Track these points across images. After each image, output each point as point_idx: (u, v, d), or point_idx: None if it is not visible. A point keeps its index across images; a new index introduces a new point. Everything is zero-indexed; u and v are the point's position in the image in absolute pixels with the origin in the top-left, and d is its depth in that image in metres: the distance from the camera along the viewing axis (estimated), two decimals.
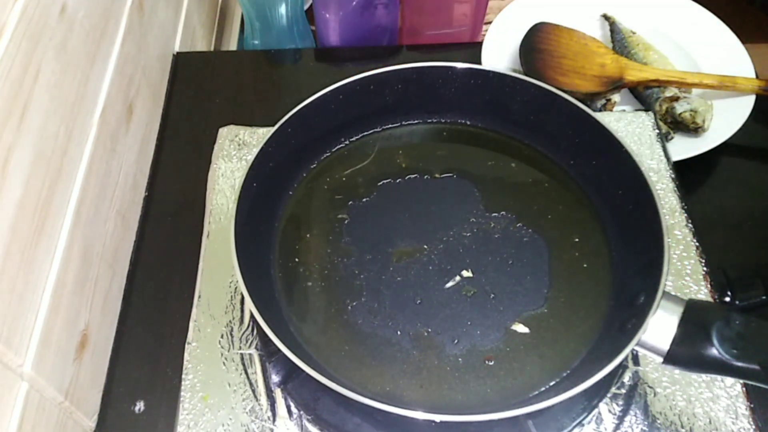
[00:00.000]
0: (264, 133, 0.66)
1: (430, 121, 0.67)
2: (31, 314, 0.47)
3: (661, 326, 0.46)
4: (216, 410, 0.52)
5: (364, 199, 0.60)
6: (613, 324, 0.52)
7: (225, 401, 0.52)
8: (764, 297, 0.61)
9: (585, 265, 0.56)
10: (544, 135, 0.63)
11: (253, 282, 0.50)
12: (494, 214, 0.59)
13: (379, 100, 0.63)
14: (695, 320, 0.46)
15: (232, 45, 1.04)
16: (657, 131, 0.68)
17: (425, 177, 0.61)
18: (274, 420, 0.52)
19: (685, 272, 0.59)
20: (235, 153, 0.68)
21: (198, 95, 0.80)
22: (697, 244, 0.61)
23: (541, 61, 0.80)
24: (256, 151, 0.56)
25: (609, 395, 0.52)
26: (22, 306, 0.46)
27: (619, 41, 0.86)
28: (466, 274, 0.56)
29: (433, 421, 0.44)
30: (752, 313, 0.56)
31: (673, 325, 0.46)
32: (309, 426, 0.51)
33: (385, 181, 0.62)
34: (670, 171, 0.65)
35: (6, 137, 0.44)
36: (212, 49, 1.01)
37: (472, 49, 0.85)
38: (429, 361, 0.51)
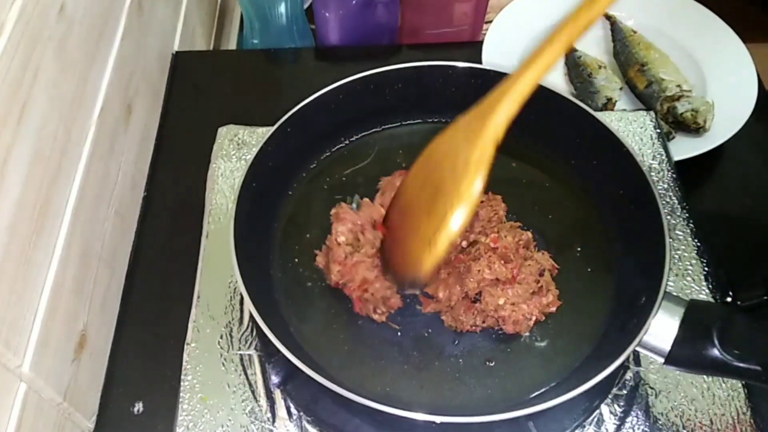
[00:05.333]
0: (263, 133, 0.66)
1: (430, 120, 0.66)
2: (29, 315, 0.47)
3: (662, 327, 0.46)
4: (215, 411, 0.52)
5: (365, 199, 0.60)
6: (614, 324, 0.52)
7: (224, 402, 0.52)
8: (766, 297, 0.60)
9: (586, 265, 0.56)
10: (545, 135, 0.62)
11: (253, 282, 0.50)
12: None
13: (379, 100, 0.63)
14: (696, 321, 0.46)
15: (231, 44, 1.04)
16: (658, 131, 0.68)
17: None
18: (273, 421, 0.52)
19: (686, 272, 0.59)
20: (234, 152, 0.67)
21: (197, 94, 0.80)
22: (698, 244, 0.60)
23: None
24: (255, 150, 0.56)
25: (610, 396, 0.52)
26: (20, 306, 0.46)
27: (620, 40, 0.86)
28: None
29: (434, 423, 0.44)
30: (754, 313, 0.56)
31: (675, 326, 0.46)
32: (309, 427, 0.51)
33: None
34: (672, 171, 0.65)
35: (4, 137, 0.44)
36: (211, 48, 1.01)
37: (473, 48, 0.84)
38: (429, 362, 0.51)
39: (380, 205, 0.58)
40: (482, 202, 0.57)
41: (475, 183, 0.45)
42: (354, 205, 0.58)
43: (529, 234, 0.55)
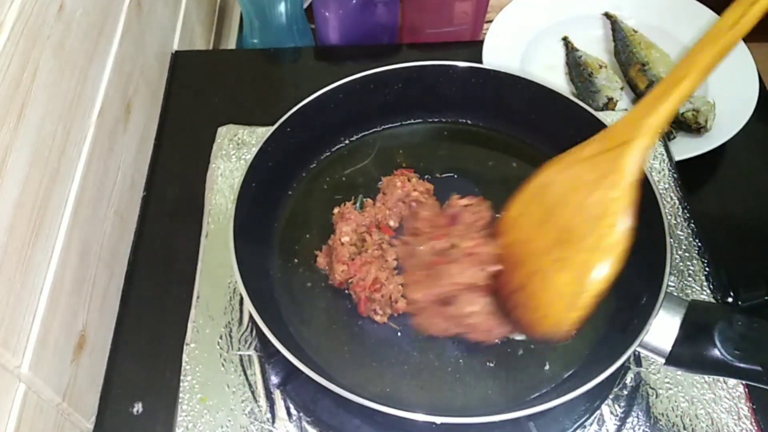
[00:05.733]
0: (263, 133, 0.66)
1: (430, 120, 0.66)
2: (28, 315, 0.47)
3: (663, 327, 0.46)
4: (215, 412, 0.52)
5: (365, 199, 0.60)
6: (615, 325, 0.51)
7: (224, 403, 0.52)
8: (767, 297, 0.60)
9: None
10: (546, 134, 0.62)
11: (253, 282, 0.50)
12: (495, 215, 0.59)
13: (379, 99, 0.63)
14: (697, 321, 0.46)
15: (231, 43, 1.04)
16: None
17: (426, 176, 0.61)
18: (273, 422, 0.51)
19: (687, 273, 0.59)
20: (234, 152, 0.67)
21: (197, 94, 0.79)
22: (699, 244, 0.60)
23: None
24: (255, 150, 0.56)
25: (611, 397, 0.52)
26: (19, 307, 0.46)
27: (621, 40, 0.85)
28: None
29: (434, 423, 0.43)
30: (755, 313, 0.56)
31: (675, 326, 0.46)
32: (308, 428, 0.51)
33: None
34: (673, 171, 0.65)
35: (3, 137, 0.44)
36: (211, 47, 1.01)
37: (473, 48, 0.84)
38: (429, 363, 0.51)
39: (383, 205, 0.58)
40: (467, 206, 0.56)
41: (620, 235, 0.40)
42: (357, 206, 0.58)
43: None
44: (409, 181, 0.59)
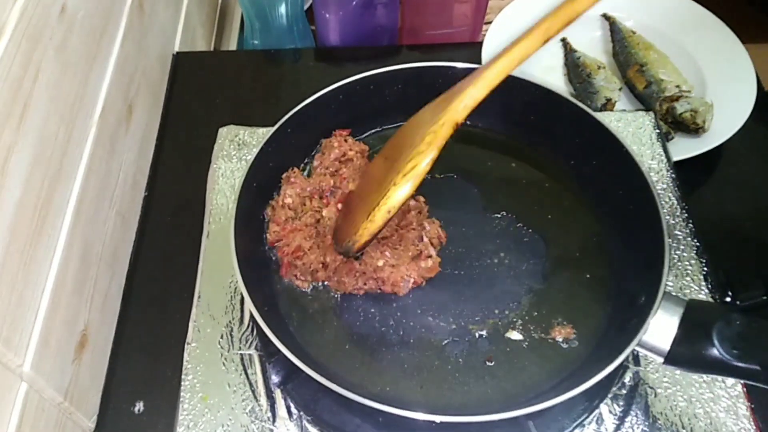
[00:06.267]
0: (264, 133, 0.66)
1: None
2: (30, 314, 0.47)
3: (661, 326, 0.46)
4: (216, 411, 0.52)
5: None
6: (614, 324, 0.52)
7: (225, 402, 0.52)
8: (765, 297, 0.60)
9: (585, 265, 0.56)
10: (545, 135, 0.63)
11: (253, 282, 0.50)
12: (494, 215, 0.59)
13: (379, 100, 0.63)
14: (696, 320, 0.46)
15: (232, 45, 1.04)
16: (657, 131, 0.68)
17: (425, 176, 0.61)
18: (274, 421, 0.52)
19: (685, 272, 0.59)
20: (235, 153, 0.68)
21: (198, 95, 0.80)
22: (697, 244, 0.61)
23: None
24: (255, 151, 0.56)
25: (610, 396, 0.52)
26: (21, 306, 0.46)
27: (619, 41, 0.86)
28: (466, 274, 0.56)
29: (433, 422, 0.44)
30: (753, 313, 0.56)
31: (674, 326, 0.46)
32: (309, 427, 0.51)
33: None
34: (671, 171, 0.65)
35: (5, 137, 0.44)
36: (212, 49, 1.01)
37: (473, 49, 0.84)
38: (429, 362, 0.51)
39: (316, 167, 0.60)
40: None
41: (423, 160, 0.46)
42: (306, 173, 0.60)
43: (422, 201, 0.58)
44: (345, 141, 0.61)
